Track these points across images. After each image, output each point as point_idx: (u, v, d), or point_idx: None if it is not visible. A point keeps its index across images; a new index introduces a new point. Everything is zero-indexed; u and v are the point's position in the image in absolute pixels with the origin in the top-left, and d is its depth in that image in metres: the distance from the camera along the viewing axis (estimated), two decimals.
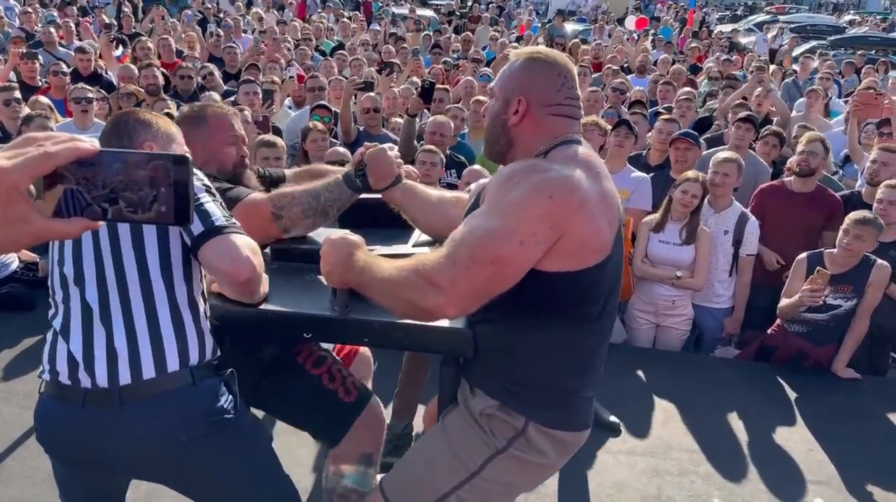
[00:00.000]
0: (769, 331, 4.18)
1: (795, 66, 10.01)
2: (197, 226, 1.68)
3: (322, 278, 1.77)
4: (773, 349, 4.14)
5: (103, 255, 1.69)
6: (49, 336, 1.75)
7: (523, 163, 1.61)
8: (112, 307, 1.68)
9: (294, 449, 3.01)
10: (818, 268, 3.76)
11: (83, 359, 1.67)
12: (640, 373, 4.03)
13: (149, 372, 1.66)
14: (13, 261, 4.38)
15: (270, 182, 2.59)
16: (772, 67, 9.39)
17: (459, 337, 1.76)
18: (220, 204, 1.75)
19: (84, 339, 1.68)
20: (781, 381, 3.99)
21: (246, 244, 1.71)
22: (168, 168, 0.75)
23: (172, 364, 1.68)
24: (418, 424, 2.90)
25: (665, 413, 3.64)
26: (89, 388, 1.66)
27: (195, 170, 1.72)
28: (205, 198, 1.72)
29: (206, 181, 1.77)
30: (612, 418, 3.49)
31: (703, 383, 3.97)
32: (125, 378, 1.65)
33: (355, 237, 1.73)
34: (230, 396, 1.77)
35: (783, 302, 3.98)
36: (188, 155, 0.76)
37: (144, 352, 1.67)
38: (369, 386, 2.75)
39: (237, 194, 2.03)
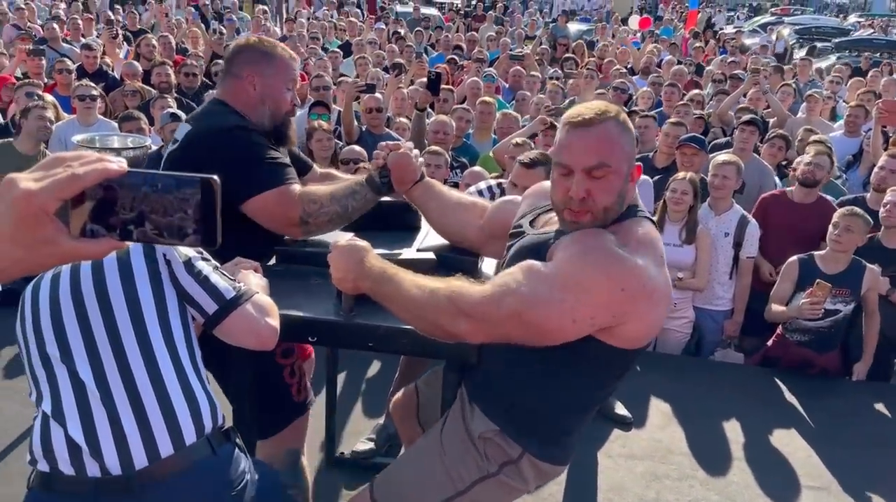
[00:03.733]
0: (770, 342, 4.19)
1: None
2: (209, 305, 1.63)
3: (334, 284, 1.76)
4: (775, 360, 4.15)
5: (92, 323, 1.54)
6: (38, 421, 1.56)
7: (600, 238, 1.53)
8: (111, 382, 1.51)
9: None
10: (818, 280, 3.75)
11: (87, 444, 1.49)
12: (639, 376, 4.03)
13: (166, 449, 1.52)
14: None
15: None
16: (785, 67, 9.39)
17: (464, 344, 1.77)
18: (218, 268, 1.70)
19: (83, 422, 1.50)
20: (781, 385, 4.00)
21: (261, 308, 1.68)
22: (196, 190, 0.74)
23: (189, 435, 1.55)
24: None
25: (664, 416, 3.66)
26: (99, 477, 1.48)
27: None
28: (205, 269, 1.66)
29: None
30: (623, 411, 3.51)
31: (703, 387, 3.98)
32: (141, 460, 1.50)
33: (362, 242, 1.73)
34: (245, 458, 1.68)
35: (774, 307, 3.98)
36: (216, 177, 0.75)
37: (158, 429, 1.51)
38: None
39: (283, 175, 2.02)
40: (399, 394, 2.28)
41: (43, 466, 1.53)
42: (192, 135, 2.07)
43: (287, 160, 2.12)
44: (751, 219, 4.35)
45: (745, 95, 6.84)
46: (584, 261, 1.49)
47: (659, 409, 3.71)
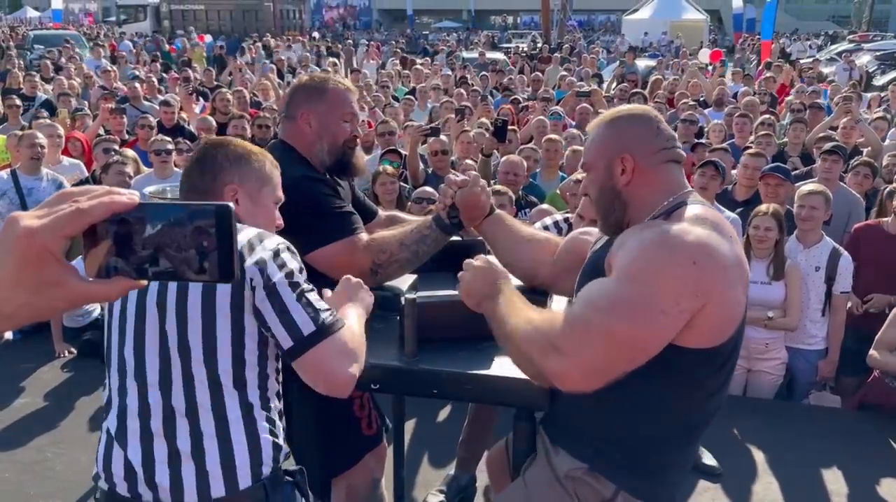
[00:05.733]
0: (867, 383, 3.87)
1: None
2: (285, 339, 1.47)
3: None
4: (874, 406, 3.84)
5: (169, 343, 1.50)
6: (103, 436, 1.58)
7: (652, 227, 1.48)
8: (177, 413, 1.50)
9: None
10: None
11: (143, 470, 1.50)
12: (730, 423, 3.78)
13: (218, 490, 1.49)
14: (95, 307, 4.49)
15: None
16: (868, 95, 9.01)
17: (534, 389, 1.65)
18: (304, 295, 1.51)
19: (143, 447, 1.50)
20: (884, 431, 3.69)
21: (345, 349, 1.51)
22: (210, 220, 0.69)
23: (244, 479, 1.51)
24: (482, 476, 2.77)
25: (757, 467, 3.40)
26: None
27: (288, 256, 1.53)
28: (287, 297, 1.49)
29: (290, 265, 1.52)
30: (712, 461, 3.29)
31: (799, 433, 3.70)
32: (191, 497, 1.48)
33: (500, 267, 1.69)
34: (303, 499, 1.62)
35: (879, 354, 3.68)
36: (231, 205, 0.69)
37: (213, 468, 1.49)
38: None
39: (350, 225, 1.99)
40: (493, 448, 2.17)
41: (103, 484, 1.55)
42: None
43: (352, 209, 2.07)
44: (843, 251, 4.08)
45: (833, 127, 6.56)
46: (645, 251, 1.42)
47: (751, 458, 3.45)
